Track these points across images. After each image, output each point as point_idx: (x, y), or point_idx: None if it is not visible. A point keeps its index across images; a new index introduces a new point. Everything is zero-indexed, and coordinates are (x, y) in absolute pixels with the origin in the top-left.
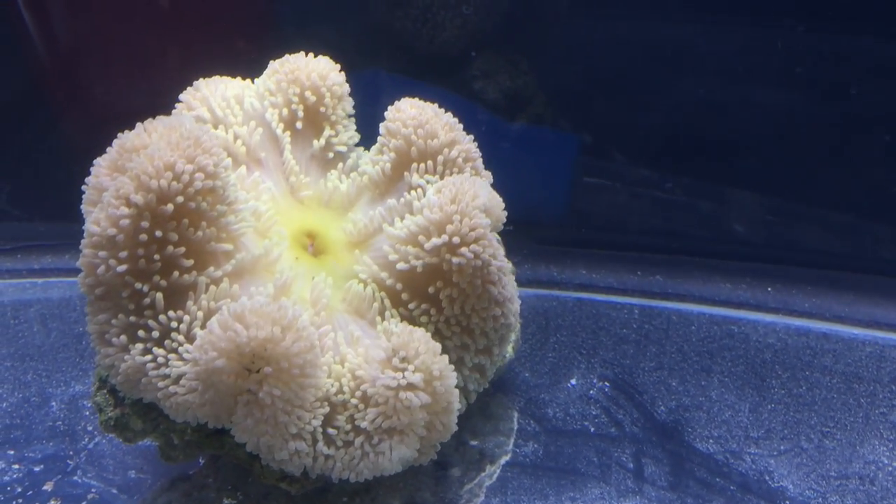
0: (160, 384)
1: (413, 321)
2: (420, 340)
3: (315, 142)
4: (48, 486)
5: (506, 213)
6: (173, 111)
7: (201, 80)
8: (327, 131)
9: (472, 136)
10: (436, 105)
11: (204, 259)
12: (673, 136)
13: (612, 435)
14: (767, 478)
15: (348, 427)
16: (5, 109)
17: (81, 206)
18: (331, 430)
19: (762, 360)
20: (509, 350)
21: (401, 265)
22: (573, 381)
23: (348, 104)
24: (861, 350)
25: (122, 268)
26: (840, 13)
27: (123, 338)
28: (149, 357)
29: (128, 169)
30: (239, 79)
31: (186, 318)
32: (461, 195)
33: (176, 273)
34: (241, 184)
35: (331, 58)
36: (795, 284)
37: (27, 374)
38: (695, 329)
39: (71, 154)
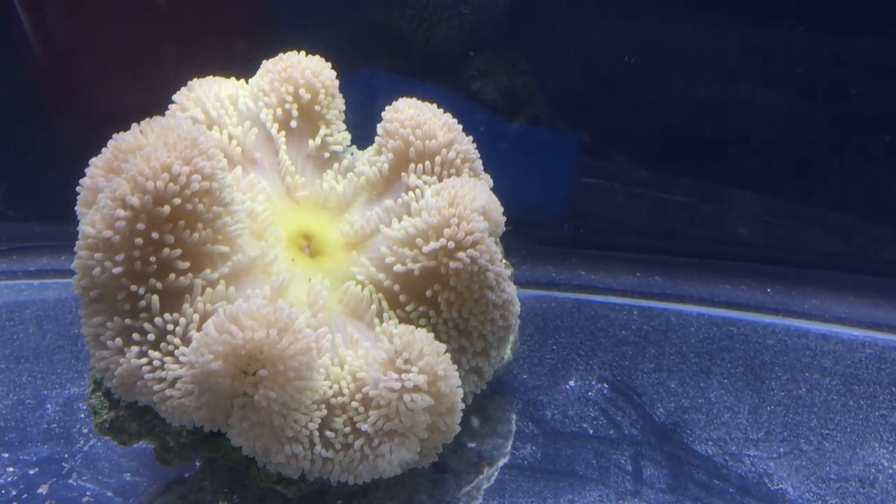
0: (156, 387)
1: (411, 323)
2: (424, 341)
3: (311, 141)
4: (43, 489)
5: (504, 217)
6: (167, 112)
7: (195, 80)
8: (323, 130)
9: (470, 137)
10: (434, 105)
11: (200, 261)
12: (672, 136)
13: (611, 437)
14: (767, 480)
15: (347, 429)
16: (1, 109)
17: (76, 208)
18: (328, 433)
19: (761, 362)
20: (507, 352)
21: (398, 267)
22: (572, 383)
23: (341, 102)
24: (861, 352)
25: (117, 270)
26: (840, 13)
27: (119, 341)
28: (144, 360)
29: (124, 170)
30: (233, 79)
31: (182, 320)
32: (460, 198)
33: (172, 275)
34: (237, 185)
35: (328, 58)
36: (795, 286)
37: (22, 376)
38: (694, 330)
39: (66, 154)
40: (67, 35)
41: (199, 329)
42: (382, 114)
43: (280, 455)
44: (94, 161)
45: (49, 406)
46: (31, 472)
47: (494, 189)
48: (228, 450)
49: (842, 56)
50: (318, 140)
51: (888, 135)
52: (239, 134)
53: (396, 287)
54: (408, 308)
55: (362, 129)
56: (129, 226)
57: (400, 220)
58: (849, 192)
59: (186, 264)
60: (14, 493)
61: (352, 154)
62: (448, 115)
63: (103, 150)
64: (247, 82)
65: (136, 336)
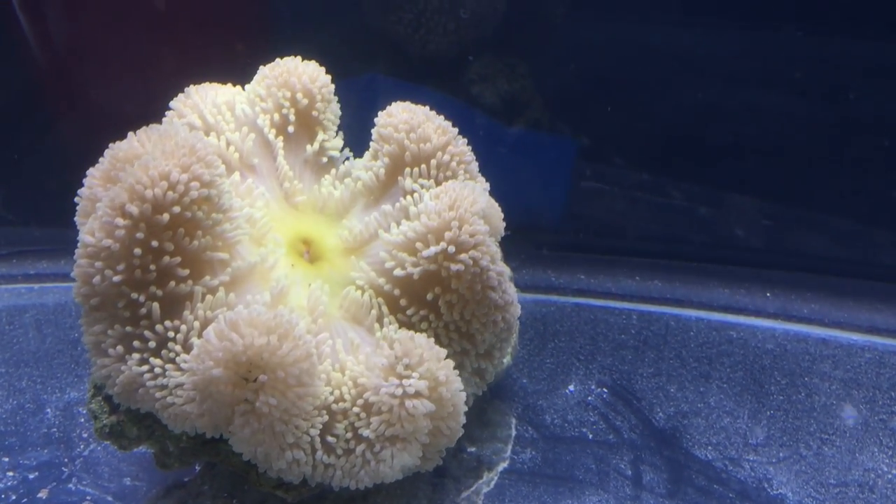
0: (157, 395)
1: (412, 327)
2: (423, 346)
3: (308, 146)
4: (43, 494)
5: (504, 223)
6: (164, 119)
7: (192, 86)
8: (320, 135)
9: (465, 140)
10: (427, 108)
11: (200, 268)
12: (671, 140)
13: (611, 441)
14: (766, 485)
15: (349, 435)
16: (1, 113)
17: (75, 218)
18: (330, 439)
19: (761, 366)
20: (507, 356)
21: (398, 271)
22: (571, 388)
23: (336, 107)
24: (860, 356)
25: (117, 278)
26: (839, 17)
27: (120, 348)
28: (146, 367)
29: (122, 179)
30: (230, 85)
31: (183, 327)
32: (459, 201)
33: (172, 283)
34: (235, 190)
35: (326, 63)
36: (794, 290)
37: (22, 381)
38: (693, 335)
39: (66, 159)
40: (67, 39)
41: (199, 336)
42: (376, 119)
43: (282, 461)
44: (91, 171)
45: (49, 410)
46: (31, 476)
47: (494, 193)
48: (228, 454)
49: (841, 60)
50: (316, 145)
51: (887, 139)
52: (236, 140)
53: (397, 291)
54: (409, 312)
55: (361, 134)
56: (128, 234)
57: (398, 224)
58: (848, 196)
59: (186, 271)
60: (14, 497)
61: (348, 159)
62: (441, 118)
63: (101, 159)
64: (243, 88)
65: (137, 343)
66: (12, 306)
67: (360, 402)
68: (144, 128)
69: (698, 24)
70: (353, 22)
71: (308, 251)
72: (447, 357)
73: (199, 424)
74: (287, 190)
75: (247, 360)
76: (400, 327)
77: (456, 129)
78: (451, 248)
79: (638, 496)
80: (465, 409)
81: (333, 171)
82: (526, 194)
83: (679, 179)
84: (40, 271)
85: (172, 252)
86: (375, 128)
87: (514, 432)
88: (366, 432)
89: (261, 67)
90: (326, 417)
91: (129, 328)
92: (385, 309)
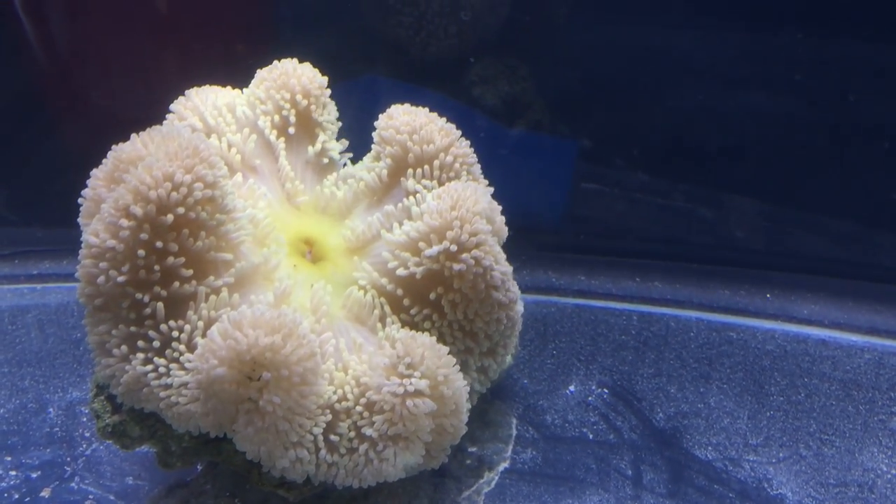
0: (162, 394)
1: (415, 327)
2: (425, 346)
3: (310, 147)
4: (45, 493)
5: (506, 227)
6: (164, 121)
7: (192, 89)
8: (321, 136)
9: (468, 142)
10: (427, 109)
11: (204, 268)
12: (672, 142)
13: (611, 442)
14: (766, 485)
15: (352, 434)
16: (3, 114)
17: (79, 219)
18: (333, 437)
19: (761, 367)
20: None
21: (401, 271)
22: (572, 388)
23: (334, 109)
24: (860, 357)
25: (122, 278)
26: (839, 19)
27: (124, 348)
28: (150, 367)
29: (126, 180)
30: (229, 88)
31: (187, 327)
32: (462, 201)
33: (176, 283)
34: (238, 192)
35: (328, 64)
36: (794, 291)
37: (24, 380)
38: (693, 335)
39: (69, 159)
40: (70, 40)
41: (203, 335)
42: (376, 122)
43: (285, 460)
44: (95, 172)
45: (51, 410)
46: (34, 475)
47: (495, 194)
48: (230, 454)
49: (841, 62)
50: (317, 146)
51: (887, 141)
52: (238, 141)
53: (399, 291)
54: (412, 312)
55: (363, 135)
56: (133, 235)
57: (401, 224)
58: (848, 197)
59: (190, 272)
60: (17, 496)
61: (350, 160)
62: (444, 120)
63: (104, 161)
64: (242, 91)
65: (141, 343)
66: (15, 306)
67: (362, 401)
68: (147, 130)
69: (699, 27)
70: (354, 24)
71: (310, 251)
72: (451, 356)
73: (203, 423)
74: (289, 191)
75: (251, 358)
76: (403, 327)
77: (459, 132)
78: (454, 248)
79: (638, 496)
80: (469, 406)
81: (335, 172)
82: (527, 195)
83: (679, 181)
84: (42, 272)
85: (176, 253)
86: (377, 130)
87: (514, 432)
88: (369, 431)
89: (259, 71)
90: (330, 416)
91: (133, 328)
92: (387, 309)
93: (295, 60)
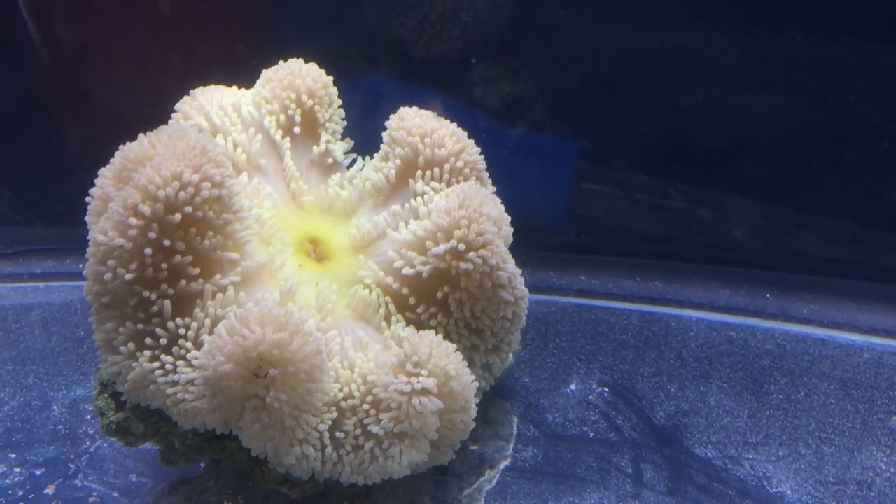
0: (168, 391)
1: (421, 325)
2: (432, 344)
3: (315, 147)
4: (49, 490)
5: (511, 228)
6: (170, 120)
7: (197, 89)
8: (326, 136)
9: (479, 148)
10: (434, 113)
11: (211, 267)
12: (672, 142)
13: (611, 440)
14: (766, 483)
15: (358, 432)
16: (7, 114)
17: (86, 217)
18: (339, 435)
19: (760, 367)
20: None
21: (407, 270)
22: (572, 387)
23: (340, 109)
24: (859, 356)
25: (129, 276)
26: (839, 19)
27: (131, 345)
28: (157, 364)
29: (133, 179)
30: (234, 87)
31: (194, 325)
32: (469, 201)
33: (183, 281)
34: (244, 191)
35: (331, 64)
36: (794, 291)
37: (28, 378)
38: (693, 335)
39: (73, 159)
40: (74, 40)
41: (210, 333)
42: (387, 123)
43: (291, 456)
44: (103, 171)
45: (55, 407)
46: (38, 472)
47: (496, 194)
48: (234, 451)
49: (841, 62)
50: (322, 146)
51: (887, 141)
52: (244, 141)
53: (405, 290)
54: (419, 310)
55: (364, 136)
56: (141, 233)
57: (407, 224)
58: (847, 198)
59: (197, 270)
60: (21, 493)
61: (355, 160)
62: (455, 125)
63: (111, 160)
64: (246, 91)
65: (148, 340)
66: (19, 305)
67: (368, 398)
68: (155, 130)
69: (699, 27)
70: (356, 25)
71: (315, 250)
72: (458, 353)
73: (210, 420)
74: (294, 190)
75: (257, 355)
76: (408, 325)
77: (472, 140)
78: (461, 246)
79: (638, 494)
80: (477, 401)
81: (339, 171)
82: (528, 195)
83: (679, 181)
84: (46, 270)
85: (184, 251)
86: (387, 131)
87: (515, 431)
88: (374, 429)
89: (264, 71)
90: (336, 414)
91: (140, 326)
92: (392, 308)
93: (301, 61)
